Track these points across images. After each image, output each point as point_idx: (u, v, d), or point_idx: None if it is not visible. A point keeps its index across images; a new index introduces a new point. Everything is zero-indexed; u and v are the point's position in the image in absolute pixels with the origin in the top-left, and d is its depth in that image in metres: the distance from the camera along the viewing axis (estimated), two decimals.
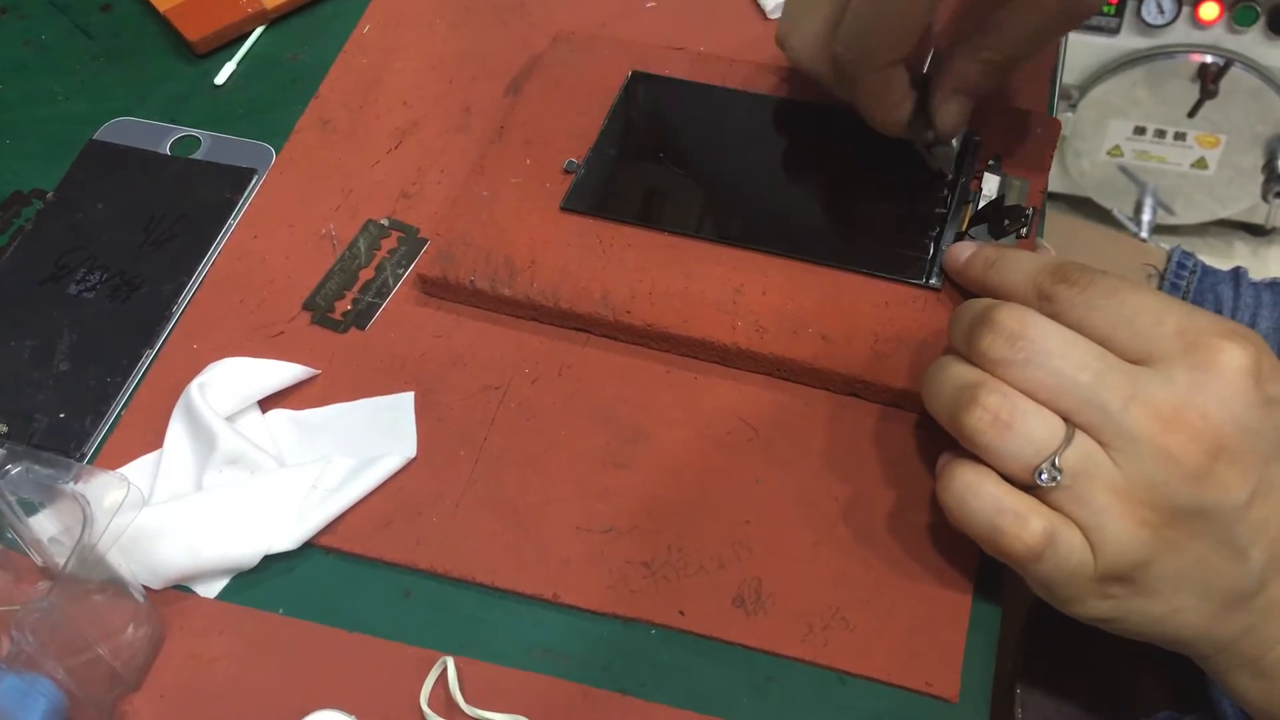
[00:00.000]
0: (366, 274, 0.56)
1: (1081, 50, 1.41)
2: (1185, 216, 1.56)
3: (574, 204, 0.55)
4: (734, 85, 0.59)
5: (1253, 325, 0.68)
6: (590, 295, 0.52)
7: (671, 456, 0.49)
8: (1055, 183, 1.55)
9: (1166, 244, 0.77)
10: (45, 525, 0.46)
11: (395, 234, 0.57)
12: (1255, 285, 0.70)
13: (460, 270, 0.53)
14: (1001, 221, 0.52)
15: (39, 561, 0.46)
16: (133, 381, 0.53)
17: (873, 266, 0.52)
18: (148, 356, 0.54)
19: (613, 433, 0.50)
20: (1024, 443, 0.39)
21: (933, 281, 0.51)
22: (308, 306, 0.55)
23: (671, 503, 0.48)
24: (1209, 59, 1.38)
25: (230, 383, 0.51)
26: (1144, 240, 1.48)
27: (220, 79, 0.64)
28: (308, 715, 0.44)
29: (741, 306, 0.51)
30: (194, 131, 0.62)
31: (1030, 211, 0.53)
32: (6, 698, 0.41)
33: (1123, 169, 1.53)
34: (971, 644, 0.45)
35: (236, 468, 0.49)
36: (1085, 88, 1.44)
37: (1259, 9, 1.34)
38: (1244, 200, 1.52)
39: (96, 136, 0.62)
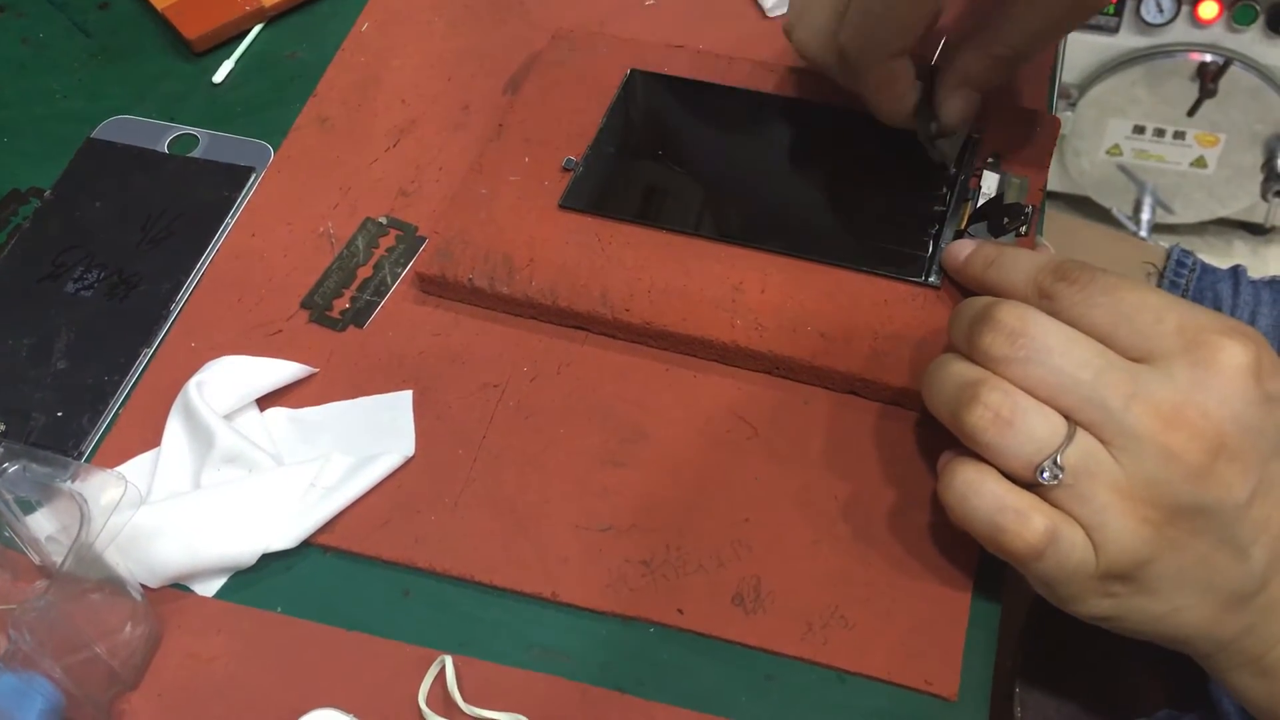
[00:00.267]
0: (365, 272, 0.55)
1: (1081, 49, 1.41)
2: (1184, 215, 1.56)
3: (573, 202, 0.55)
4: (733, 83, 0.59)
5: (1252, 323, 0.68)
6: (589, 293, 0.52)
7: (670, 455, 0.49)
8: (1054, 182, 1.55)
9: (1166, 243, 0.77)
10: (43, 524, 0.46)
11: (393, 232, 0.57)
12: (1254, 283, 0.70)
13: (459, 268, 0.53)
14: (1001, 219, 0.52)
15: (36, 560, 0.46)
16: (130, 380, 0.53)
17: (872, 264, 0.52)
18: (145, 355, 0.54)
19: (611, 431, 0.50)
20: (1025, 440, 0.39)
21: (932, 279, 0.51)
22: (306, 305, 0.55)
23: (670, 501, 0.48)
24: (1208, 58, 1.38)
25: (228, 381, 0.51)
26: (1143, 239, 1.48)
27: (218, 77, 0.64)
28: (306, 714, 0.43)
29: (740, 305, 0.51)
30: (192, 130, 0.62)
31: (1030, 209, 0.52)
32: (4, 697, 0.41)
33: (1122, 168, 1.53)
34: (971, 642, 0.45)
35: (234, 466, 0.49)
36: (1085, 86, 1.44)
37: (1258, 8, 1.34)
38: (1243, 199, 1.52)
39: (94, 134, 0.62)
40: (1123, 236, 1.35)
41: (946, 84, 0.51)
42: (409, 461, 0.50)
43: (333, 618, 0.47)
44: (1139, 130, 1.48)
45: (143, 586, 0.47)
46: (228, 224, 0.58)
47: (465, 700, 0.44)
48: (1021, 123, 0.56)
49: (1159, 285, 0.72)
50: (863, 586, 0.46)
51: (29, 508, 0.45)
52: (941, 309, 0.50)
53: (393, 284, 0.55)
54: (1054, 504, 0.40)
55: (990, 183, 0.54)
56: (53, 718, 0.42)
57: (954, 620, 0.45)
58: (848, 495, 0.48)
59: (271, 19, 0.67)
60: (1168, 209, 1.55)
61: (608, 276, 0.52)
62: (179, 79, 0.65)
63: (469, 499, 0.49)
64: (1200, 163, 1.49)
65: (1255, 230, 1.61)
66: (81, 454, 0.51)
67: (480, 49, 0.64)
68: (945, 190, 0.54)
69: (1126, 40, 1.40)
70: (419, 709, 0.44)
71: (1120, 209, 1.55)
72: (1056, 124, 0.56)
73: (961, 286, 0.50)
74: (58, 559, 0.43)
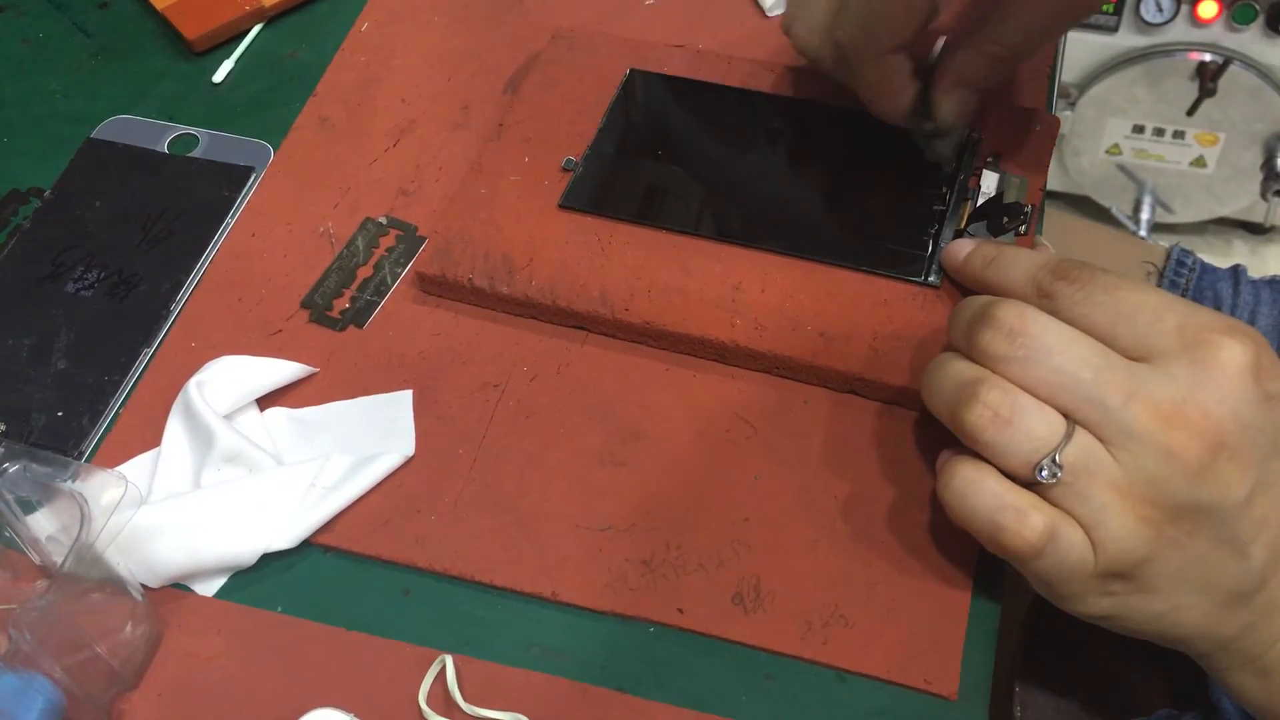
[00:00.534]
0: (365, 272, 0.55)
1: (1080, 48, 1.41)
2: (1184, 215, 1.56)
3: (572, 202, 0.55)
4: (732, 83, 0.59)
5: (1252, 322, 0.68)
6: (589, 293, 0.52)
7: (670, 454, 0.49)
8: (1054, 181, 1.55)
9: (1165, 242, 0.77)
10: (43, 524, 0.46)
11: (394, 232, 0.57)
12: (1254, 283, 0.70)
13: (459, 268, 0.53)
14: (1000, 219, 0.52)
15: (37, 560, 0.46)
16: (131, 380, 0.53)
17: (872, 264, 0.52)
18: (146, 355, 0.54)
19: (611, 431, 0.50)
20: (1024, 439, 0.39)
21: (931, 279, 0.51)
22: (306, 305, 0.55)
23: (670, 501, 0.48)
24: (1208, 57, 1.38)
25: (228, 381, 0.51)
26: (1143, 238, 1.48)
27: (218, 77, 0.64)
28: (306, 714, 0.43)
29: (740, 304, 0.51)
30: (192, 129, 0.62)
31: (1029, 209, 0.52)
32: (4, 696, 0.41)
33: (1121, 167, 1.53)
34: (970, 642, 0.45)
35: (235, 466, 0.49)
36: (1084, 86, 1.44)
37: (1258, 7, 1.34)
38: (1243, 198, 1.52)
39: (94, 134, 0.62)
40: (1122, 236, 1.35)
41: (942, 82, 0.51)
42: (409, 461, 0.50)
43: (333, 617, 0.47)
44: (1138, 129, 1.48)
45: (143, 586, 0.47)
46: (228, 224, 0.58)
47: (465, 700, 0.44)
48: (1021, 122, 0.56)
49: (1159, 285, 0.72)
50: (862, 586, 0.46)
51: (29, 508, 0.45)
52: (941, 308, 0.50)
53: (393, 284, 0.55)
54: (1053, 503, 0.40)
55: (990, 182, 0.54)
56: (53, 717, 0.42)
57: (954, 620, 0.45)
58: (847, 494, 0.48)
59: (271, 19, 0.67)
60: (1167, 208, 1.55)
61: (607, 276, 0.52)
62: (179, 79, 0.65)
63: (469, 499, 0.49)
64: (1200, 162, 1.49)
65: (1255, 230, 1.61)
66: (82, 454, 0.51)
67: (480, 49, 0.64)
68: (945, 190, 0.54)
69: (1126, 39, 1.40)
70: (419, 709, 0.44)
71: (1120, 208, 1.55)
72: (1056, 123, 0.56)
73: (961, 286, 0.50)
74: (58, 559, 0.43)
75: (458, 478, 0.49)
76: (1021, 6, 0.47)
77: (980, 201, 0.53)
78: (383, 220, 0.57)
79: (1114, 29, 1.40)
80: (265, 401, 0.52)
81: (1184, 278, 0.72)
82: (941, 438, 0.43)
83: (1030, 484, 0.40)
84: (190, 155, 0.61)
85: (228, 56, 0.65)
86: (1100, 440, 0.39)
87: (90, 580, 0.43)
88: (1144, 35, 1.39)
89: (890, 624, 0.45)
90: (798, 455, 0.49)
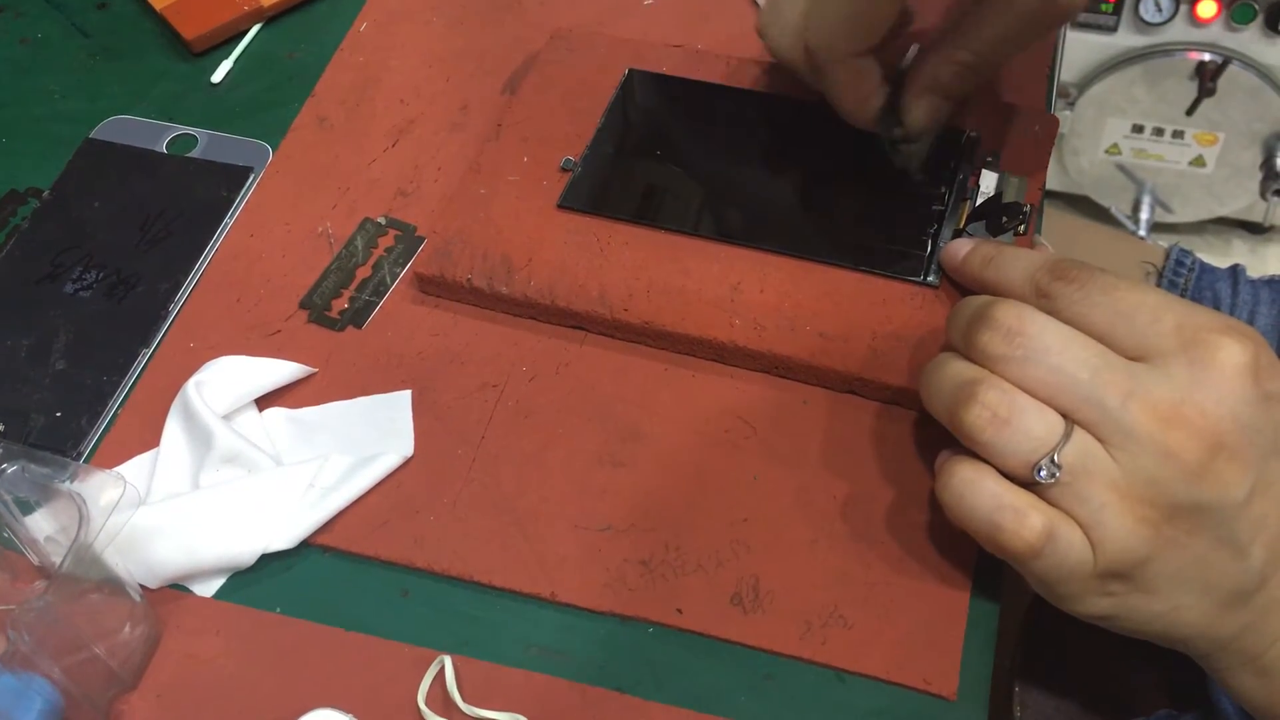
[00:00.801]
0: (364, 272, 0.55)
1: (1079, 48, 1.41)
2: (1183, 214, 1.56)
3: (571, 202, 0.55)
4: (731, 83, 0.59)
5: (1251, 322, 0.68)
6: (587, 293, 0.52)
7: (669, 454, 0.49)
8: (1053, 181, 1.55)
9: (1165, 242, 0.77)
10: (41, 524, 0.46)
11: (392, 232, 0.57)
12: (1253, 282, 0.70)
13: (457, 268, 0.53)
14: (1000, 218, 0.52)
15: (35, 560, 0.46)
16: (129, 380, 0.53)
17: (871, 264, 0.52)
18: (144, 355, 0.54)
19: (610, 431, 0.50)
20: (1023, 439, 0.39)
21: (930, 279, 0.51)
22: (305, 305, 0.55)
23: (669, 501, 0.48)
24: (1207, 57, 1.38)
25: (227, 381, 0.51)
26: (1142, 238, 1.48)
27: (217, 77, 0.64)
28: (305, 714, 0.43)
29: (739, 304, 0.51)
30: (190, 130, 0.62)
31: (1028, 208, 0.52)
32: (3, 697, 0.41)
33: (1121, 167, 1.53)
34: (970, 642, 0.45)
35: (233, 466, 0.49)
36: (1083, 86, 1.44)
37: (1257, 7, 1.34)
38: (1242, 198, 1.52)
39: (93, 135, 0.62)
40: (1121, 236, 1.34)
41: (912, 88, 0.51)
42: (408, 462, 0.49)
43: (332, 618, 0.46)
44: (1138, 129, 1.48)
45: (142, 587, 0.47)
46: (226, 224, 0.58)
47: (464, 700, 0.44)
48: (1020, 122, 0.56)
49: (1158, 285, 0.72)
50: (862, 586, 0.46)
51: (28, 508, 0.45)
52: (940, 308, 0.50)
53: (391, 284, 0.55)
54: (1052, 503, 0.40)
55: (989, 182, 0.54)
56: (51, 718, 0.42)
57: (953, 619, 0.45)
58: (846, 495, 0.48)
59: (270, 19, 0.67)
60: (1166, 208, 1.55)
61: (606, 276, 0.52)
62: (177, 79, 0.65)
63: (468, 499, 0.49)
64: (1199, 162, 1.49)
65: (1254, 229, 1.61)
66: (80, 454, 0.51)
67: (479, 49, 0.64)
68: (944, 190, 0.54)
69: (1125, 39, 1.40)
70: (418, 709, 0.44)
71: (1119, 208, 1.55)
72: (1055, 123, 0.56)
73: (960, 285, 0.50)
74: (57, 559, 0.43)
75: (456, 478, 0.49)
76: (993, 15, 0.47)
77: (979, 201, 0.53)
78: (381, 220, 0.57)
79: (1113, 29, 1.40)
80: (264, 402, 0.52)
81: (1183, 278, 0.72)
82: (940, 438, 0.43)
83: (1029, 484, 0.40)
84: (189, 155, 0.61)
85: (226, 57, 0.65)
86: (1099, 440, 0.39)
87: (89, 581, 0.43)
88: (1143, 35, 1.39)
89: (889, 624, 0.45)
90: (797, 455, 0.49)
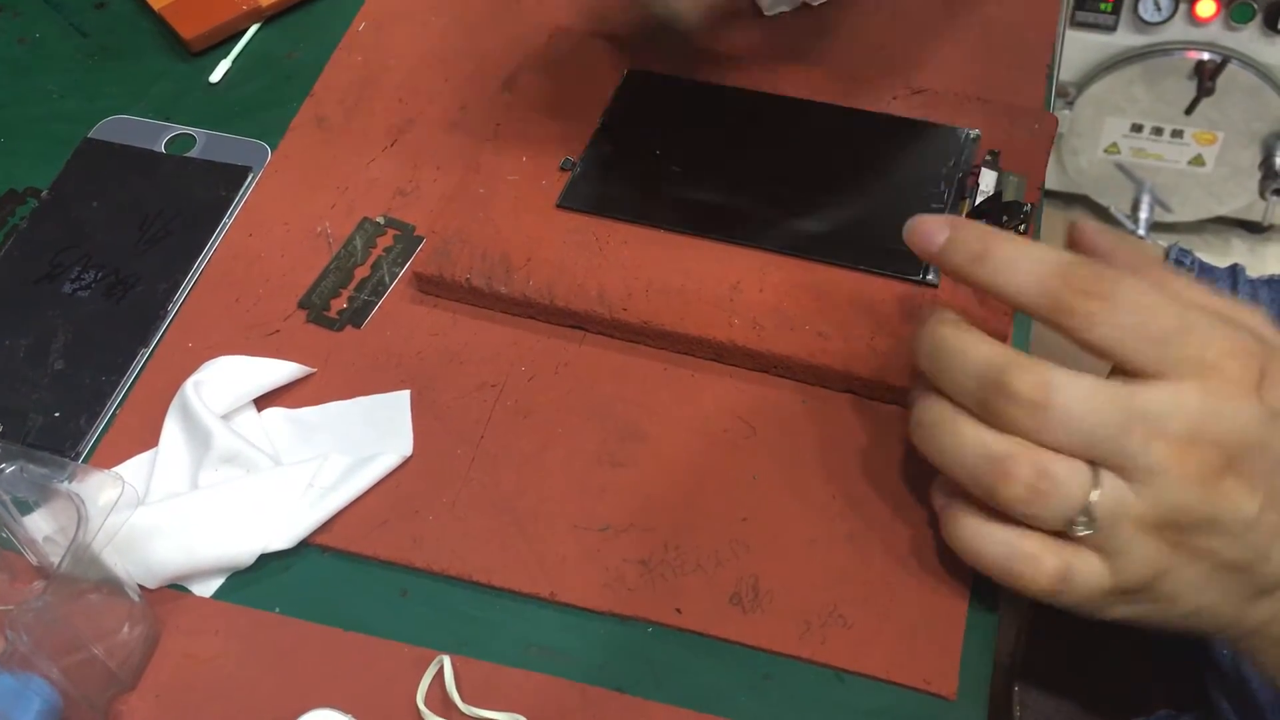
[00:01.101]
0: (362, 272, 0.55)
1: (1078, 47, 1.41)
2: (1183, 214, 1.56)
3: (570, 201, 0.54)
4: (730, 82, 0.59)
5: None
6: (587, 293, 0.52)
7: (668, 454, 0.49)
8: (1052, 180, 1.55)
9: (1164, 241, 0.77)
10: (40, 524, 0.46)
11: (391, 232, 0.57)
12: (1253, 282, 0.70)
13: (456, 268, 0.53)
14: (1000, 217, 0.52)
15: (34, 561, 0.46)
16: (128, 380, 0.53)
17: (870, 263, 0.52)
18: (143, 355, 0.53)
19: (609, 430, 0.50)
20: (1059, 503, 0.39)
21: (930, 278, 0.51)
22: (303, 305, 0.54)
23: (668, 501, 0.48)
24: (1206, 56, 1.38)
25: (226, 381, 0.51)
26: (1141, 238, 1.48)
27: (215, 77, 0.64)
28: (304, 714, 0.43)
29: (738, 304, 0.51)
30: (189, 129, 0.62)
31: (1029, 207, 0.52)
32: (1, 698, 0.41)
33: (1120, 166, 1.53)
34: (969, 641, 0.45)
35: (232, 466, 0.49)
36: (1082, 85, 1.44)
37: (1256, 6, 1.34)
38: (1241, 197, 1.52)
39: (91, 135, 0.62)
40: (1121, 235, 1.34)
41: None
42: (407, 461, 0.49)
43: (331, 618, 0.46)
44: (1137, 128, 1.48)
45: (140, 587, 0.47)
46: (225, 224, 0.58)
47: (464, 700, 0.44)
48: (1019, 121, 0.56)
49: None
50: (861, 586, 0.46)
51: (26, 508, 0.45)
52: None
53: (390, 284, 0.55)
54: (1076, 539, 0.40)
55: (988, 180, 0.54)
56: (50, 718, 0.42)
57: (952, 619, 0.45)
58: (846, 494, 0.48)
59: (268, 19, 0.67)
60: (1166, 207, 1.55)
61: (605, 276, 0.52)
62: (176, 79, 0.64)
63: (467, 499, 0.48)
64: (1198, 161, 1.49)
65: (1253, 228, 1.61)
66: (79, 454, 0.51)
67: (478, 48, 0.64)
68: (943, 188, 0.54)
69: (1124, 38, 1.40)
70: (417, 709, 0.44)
71: (1118, 207, 1.55)
72: (1054, 122, 0.56)
73: (959, 285, 0.49)
74: (55, 560, 0.43)
75: (455, 478, 0.49)
76: None
77: (979, 200, 0.53)
78: (380, 220, 0.57)
79: (1112, 28, 1.40)
80: (263, 402, 0.52)
81: None
82: None
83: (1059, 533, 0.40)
84: (187, 155, 0.61)
85: (225, 56, 0.65)
86: (1124, 480, 0.39)
87: (87, 581, 0.43)
88: (1142, 34, 1.39)
89: (889, 624, 0.45)
90: (796, 454, 0.49)
